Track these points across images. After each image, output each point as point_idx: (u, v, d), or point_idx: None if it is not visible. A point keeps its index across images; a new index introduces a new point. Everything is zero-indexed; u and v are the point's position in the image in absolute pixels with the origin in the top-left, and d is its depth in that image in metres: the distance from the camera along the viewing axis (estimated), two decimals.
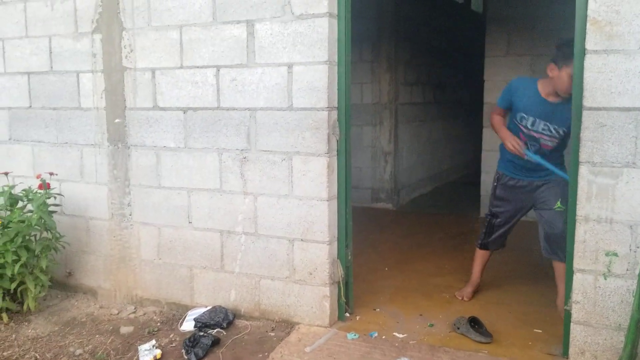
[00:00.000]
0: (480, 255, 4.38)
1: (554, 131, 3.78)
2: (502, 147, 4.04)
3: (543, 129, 3.79)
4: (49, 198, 4.19)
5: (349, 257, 3.93)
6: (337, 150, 3.73)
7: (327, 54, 3.54)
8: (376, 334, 3.71)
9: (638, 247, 2.94)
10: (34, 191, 4.19)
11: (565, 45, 3.44)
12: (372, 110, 7.75)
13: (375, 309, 4.13)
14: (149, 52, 4.08)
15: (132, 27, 4.10)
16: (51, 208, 4.24)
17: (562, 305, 3.41)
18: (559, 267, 3.85)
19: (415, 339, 3.65)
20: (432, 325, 3.86)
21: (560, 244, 3.69)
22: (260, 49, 3.72)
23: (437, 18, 9.12)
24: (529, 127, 3.82)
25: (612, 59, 2.90)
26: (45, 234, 4.22)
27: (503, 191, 4.14)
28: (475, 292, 4.39)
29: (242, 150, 3.87)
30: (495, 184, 4.21)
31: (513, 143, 3.81)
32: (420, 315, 4.03)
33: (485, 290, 4.48)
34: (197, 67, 3.94)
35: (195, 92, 3.97)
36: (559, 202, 3.82)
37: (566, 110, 3.52)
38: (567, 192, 3.28)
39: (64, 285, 4.67)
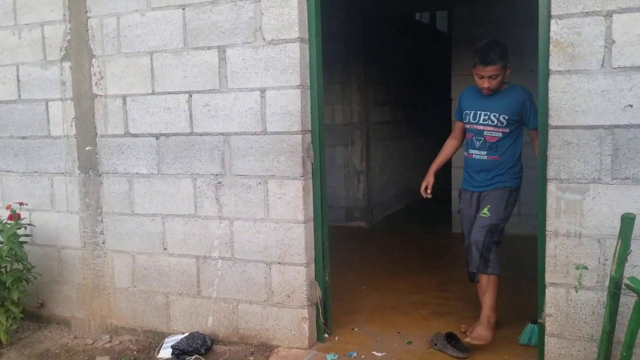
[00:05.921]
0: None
1: (494, 119, 3.78)
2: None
3: (484, 119, 3.84)
4: (19, 229, 4.12)
5: (327, 278, 3.94)
6: (312, 173, 3.76)
7: (299, 79, 3.58)
8: (355, 354, 3.72)
9: (607, 260, 3.02)
10: (4, 222, 4.12)
11: (475, 52, 3.73)
12: (344, 131, 7.84)
13: (353, 329, 4.15)
14: (120, 78, 4.07)
15: (102, 54, 4.10)
16: (22, 239, 4.16)
17: (486, 321, 3.72)
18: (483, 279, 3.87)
19: (394, 357, 3.67)
20: (410, 343, 3.89)
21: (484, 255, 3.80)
22: (233, 74, 3.75)
23: (404, 39, 9.27)
24: (472, 121, 3.89)
25: (575, 79, 3.00)
26: (16, 265, 4.15)
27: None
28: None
29: (216, 175, 3.88)
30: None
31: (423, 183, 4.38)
32: (398, 333, 4.06)
33: (462, 305, 4.53)
34: (169, 93, 3.94)
35: (167, 118, 3.97)
36: (485, 209, 3.83)
37: (503, 98, 3.77)
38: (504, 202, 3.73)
39: (36, 316, 4.58)
